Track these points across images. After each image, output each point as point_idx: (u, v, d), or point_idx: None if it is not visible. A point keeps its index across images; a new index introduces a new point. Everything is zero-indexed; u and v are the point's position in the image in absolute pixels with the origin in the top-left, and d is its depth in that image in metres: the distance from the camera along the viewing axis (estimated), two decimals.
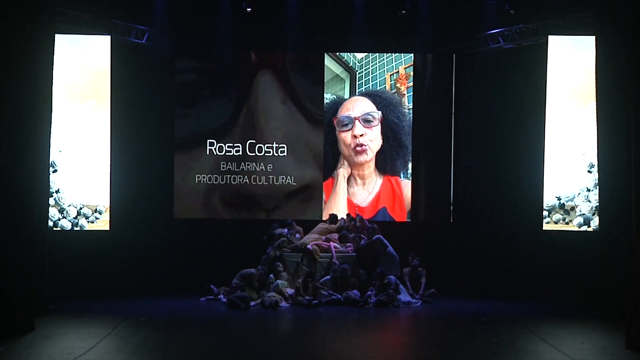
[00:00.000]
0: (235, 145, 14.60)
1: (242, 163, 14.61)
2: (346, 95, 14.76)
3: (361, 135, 14.57)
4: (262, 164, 14.63)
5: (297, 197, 14.67)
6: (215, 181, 14.57)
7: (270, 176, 14.60)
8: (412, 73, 14.72)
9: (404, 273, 12.95)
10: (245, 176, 14.59)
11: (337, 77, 14.76)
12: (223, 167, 14.58)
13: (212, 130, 14.58)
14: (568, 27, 13.04)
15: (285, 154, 14.64)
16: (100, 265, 13.18)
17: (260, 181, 14.60)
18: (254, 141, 14.63)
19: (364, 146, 14.57)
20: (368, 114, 14.63)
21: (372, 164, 14.68)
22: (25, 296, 9.81)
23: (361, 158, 14.60)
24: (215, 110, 14.61)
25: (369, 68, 14.75)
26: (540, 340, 9.44)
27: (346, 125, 14.68)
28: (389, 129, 14.62)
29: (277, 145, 14.64)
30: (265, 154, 14.62)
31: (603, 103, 11.05)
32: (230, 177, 14.59)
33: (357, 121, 14.63)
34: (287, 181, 14.61)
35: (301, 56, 14.71)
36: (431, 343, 9.77)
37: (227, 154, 14.60)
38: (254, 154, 14.62)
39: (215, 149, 14.58)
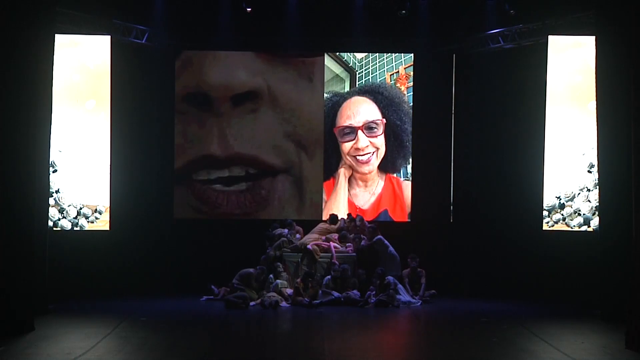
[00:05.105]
0: None
1: None
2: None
3: (366, 147, 14.54)
4: None
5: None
6: None
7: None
8: (412, 73, 14.72)
9: (403, 274, 12.95)
10: None
11: (337, 77, 14.75)
12: None
13: None
14: (568, 27, 13.03)
15: None
16: (100, 265, 13.18)
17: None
18: None
19: (368, 155, 14.50)
20: (371, 122, 14.58)
21: (375, 168, 14.65)
22: (25, 296, 9.81)
23: (365, 168, 14.57)
24: None
25: (369, 68, 14.74)
26: (540, 340, 9.45)
27: (348, 135, 14.63)
28: (391, 131, 14.58)
29: None
30: None
31: (603, 103, 11.04)
32: None
33: (360, 132, 14.57)
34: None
35: None
36: (431, 343, 9.78)
37: None
38: None
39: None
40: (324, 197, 14.67)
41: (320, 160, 14.64)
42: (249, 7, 13.90)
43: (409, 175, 14.66)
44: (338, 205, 14.59)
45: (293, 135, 14.60)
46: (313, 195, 14.64)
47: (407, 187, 14.63)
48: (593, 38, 11.59)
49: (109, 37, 13.37)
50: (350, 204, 14.62)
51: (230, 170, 14.51)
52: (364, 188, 14.67)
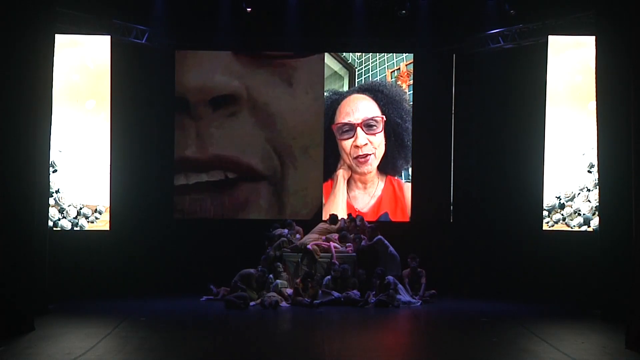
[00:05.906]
0: None
1: None
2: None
3: (364, 145, 14.50)
4: None
5: None
6: None
7: None
8: (412, 70, 14.70)
9: (403, 274, 12.94)
10: None
11: (335, 74, 14.73)
12: None
13: None
14: (568, 27, 13.04)
15: None
16: (100, 265, 13.19)
17: None
18: None
19: (367, 155, 14.46)
20: (370, 119, 14.55)
21: (375, 168, 14.62)
22: (25, 296, 9.81)
23: (364, 168, 14.51)
24: None
25: (368, 65, 14.71)
26: (540, 340, 9.44)
27: (347, 132, 14.59)
28: (391, 130, 14.55)
29: None
30: None
31: (603, 103, 11.04)
32: None
33: (358, 128, 14.52)
34: None
35: None
36: (431, 343, 9.78)
37: None
38: None
39: None
40: (323, 199, 14.64)
41: (306, 164, 14.58)
42: (249, 8, 13.92)
43: (410, 176, 14.63)
44: (337, 207, 14.54)
45: (271, 139, 14.55)
46: (293, 197, 14.60)
47: (408, 189, 14.57)
48: (593, 38, 11.59)
49: (109, 37, 13.37)
50: (350, 206, 14.57)
51: (209, 174, 14.49)
52: (364, 190, 14.63)
